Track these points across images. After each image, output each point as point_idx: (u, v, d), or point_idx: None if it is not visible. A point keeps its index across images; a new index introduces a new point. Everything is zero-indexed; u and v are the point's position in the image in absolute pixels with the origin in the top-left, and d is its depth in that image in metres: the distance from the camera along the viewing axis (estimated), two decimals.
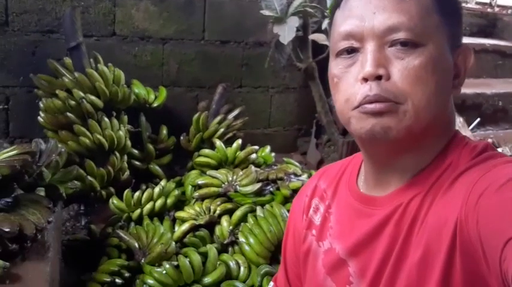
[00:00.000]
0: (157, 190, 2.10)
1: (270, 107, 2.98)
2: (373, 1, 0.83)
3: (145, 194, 2.09)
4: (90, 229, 2.00)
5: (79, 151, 2.16)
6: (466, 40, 3.48)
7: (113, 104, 2.30)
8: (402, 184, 0.88)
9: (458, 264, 0.75)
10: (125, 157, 2.31)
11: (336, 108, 0.91)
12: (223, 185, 2.14)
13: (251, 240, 1.93)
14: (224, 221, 2.01)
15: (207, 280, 1.82)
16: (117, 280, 1.72)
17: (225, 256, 1.93)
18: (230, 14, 2.75)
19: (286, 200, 2.06)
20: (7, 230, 1.35)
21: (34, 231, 1.42)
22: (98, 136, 2.16)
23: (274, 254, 1.93)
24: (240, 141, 2.41)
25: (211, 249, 1.90)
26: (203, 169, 2.30)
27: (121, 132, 2.25)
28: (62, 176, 1.82)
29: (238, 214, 2.02)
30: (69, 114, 2.14)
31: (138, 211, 2.07)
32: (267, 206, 2.04)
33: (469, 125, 2.99)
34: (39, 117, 2.19)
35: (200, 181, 2.16)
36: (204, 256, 1.89)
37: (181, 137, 2.53)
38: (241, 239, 1.95)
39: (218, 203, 2.07)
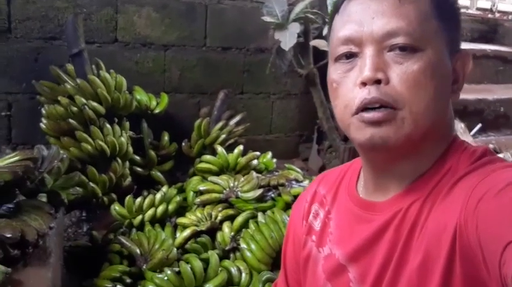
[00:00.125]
0: (158, 196, 2.10)
1: (271, 113, 2.99)
2: (372, 6, 0.84)
3: (146, 200, 2.09)
4: (92, 235, 2.00)
5: (81, 157, 2.17)
6: (467, 46, 3.52)
7: (115, 111, 2.31)
8: (402, 190, 0.88)
9: (458, 269, 0.75)
10: (127, 163, 2.32)
11: (336, 114, 0.91)
12: (224, 191, 2.14)
13: (252, 246, 1.92)
14: (225, 227, 2.01)
15: (209, 286, 1.81)
16: (119, 286, 1.72)
17: (226, 262, 1.93)
18: (231, 20, 2.76)
19: (288, 206, 2.05)
20: (9, 235, 1.35)
21: (36, 237, 1.42)
22: (100, 142, 2.17)
23: (275, 260, 1.92)
24: (241, 147, 2.42)
25: (213, 255, 1.90)
26: (205, 175, 2.30)
27: (123, 139, 2.26)
28: (63, 182, 1.82)
29: (239, 220, 2.02)
30: (71, 120, 2.15)
31: (140, 217, 2.06)
32: (269, 212, 2.04)
33: (470, 131, 2.98)
34: (41, 124, 2.20)
35: (202, 187, 2.16)
36: (206, 262, 1.89)
37: (183, 144, 2.53)
38: (243, 245, 1.95)
39: (219, 209, 2.07)
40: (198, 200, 2.12)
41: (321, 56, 2.56)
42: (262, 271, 1.89)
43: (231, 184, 2.16)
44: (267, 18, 2.49)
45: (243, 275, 1.88)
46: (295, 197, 2.04)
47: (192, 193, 2.21)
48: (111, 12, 2.51)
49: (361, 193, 0.98)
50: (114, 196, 2.22)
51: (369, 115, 0.82)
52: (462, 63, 0.89)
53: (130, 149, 2.32)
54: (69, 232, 2.13)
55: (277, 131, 3.03)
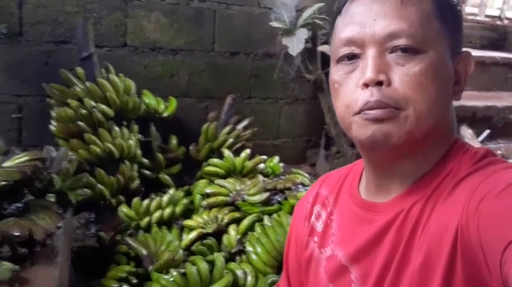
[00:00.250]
0: (165, 198, 2.12)
1: (279, 118, 3.00)
2: (374, 8, 0.84)
3: (154, 203, 2.10)
4: (100, 237, 2.01)
5: (89, 159, 2.19)
6: (476, 53, 3.52)
7: (124, 114, 2.33)
8: (403, 190, 0.88)
9: (460, 269, 0.75)
10: (135, 166, 2.34)
11: (337, 114, 0.91)
12: (231, 194, 2.15)
13: (258, 249, 1.93)
14: (232, 230, 2.02)
15: None
16: (125, 286, 1.73)
17: (232, 265, 1.94)
18: (240, 26, 2.79)
19: None
20: (17, 234, 1.36)
21: (43, 236, 1.43)
22: (108, 145, 2.19)
23: (281, 263, 1.90)
24: (248, 151, 2.43)
25: (219, 257, 1.90)
26: (211, 178, 2.32)
27: (131, 142, 2.28)
28: (72, 183, 1.84)
29: (245, 223, 2.03)
30: (80, 123, 2.17)
31: (147, 219, 2.08)
32: (275, 215, 2.05)
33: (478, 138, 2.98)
34: (50, 126, 2.23)
35: (208, 190, 2.17)
36: (212, 264, 1.90)
37: (191, 147, 2.55)
38: (249, 248, 1.96)
39: (226, 212, 2.08)
40: (204, 202, 2.14)
41: (328, 61, 2.55)
42: (268, 274, 1.90)
43: (238, 187, 2.17)
44: (275, 24, 2.51)
45: (249, 278, 1.89)
46: None
47: (199, 195, 2.22)
48: (121, 16, 2.54)
49: (363, 194, 0.98)
50: (122, 198, 2.24)
51: (371, 112, 0.82)
52: (464, 64, 0.89)
53: (139, 151, 2.34)
54: (78, 233, 2.14)
55: (284, 136, 3.04)
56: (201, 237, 2.00)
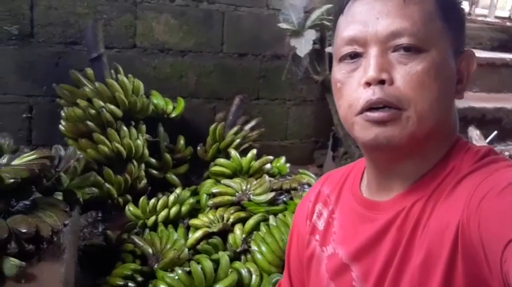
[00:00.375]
0: (172, 197, 2.13)
1: (286, 119, 3.01)
2: (377, 7, 0.84)
3: (160, 202, 2.12)
4: (106, 235, 2.04)
5: (98, 159, 2.22)
6: (486, 55, 3.50)
7: (132, 114, 2.35)
8: (405, 189, 0.88)
9: (460, 267, 0.75)
10: (143, 166, 2.36)
11: (339, 114, 0.91)
12: (237, 194, 2.16)
13: (263, 248, 1.94)
14: (237, 229, 2.03)
15: (219, 286, 1.83)
16: (130, 284, 1.75)
17: (237, 264, 1.95)
18: (248, 27, 2.80)
19: None
20: (24, 231, 1.39)
21: (50, 233, 1.45)
22: (117, 145, 2.21)
23: None
24: (254, 151, 2.44)
25: (223, 256, 1.92)
26: (218, 178, 2.33)
27: (139, 141, 2.30)
28: (79, 182, 1.86)
29: (251, 222, 2.04)
30: (89, 122, 2.20)
31: (153, 217, 2.10)
32: (280, 215, 2.05)
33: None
34: (60, 126, 2.26)
35: (214, 190, 2.19)
36: (217, 263, 1.91)
37: (198, 147, 2.57)
38: (254, 247, 1.97)
39: (232, 211, 2.09)
40: (210, 202, 2.15)
41: None
42: (273, 274, 1.91)
43: (244, 187, 2.18)
44: (284, 25, 2.52)
45: (253, 277, 1.90)
46: None
47: (205, 195, 2.24)
48: (131, 18, 2.57)
49: (364, 192, 0.98)
50: (129, 197, 2.26)
51: (374, 115, 0.82)
52: (466, 63, 0.90)
53: (146, 151, 2.36)
54: (85, 231, 2.18)
55: (292, 137, 3.05)
56: (207, 236, 2.01)
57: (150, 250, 1.89)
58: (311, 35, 2.48)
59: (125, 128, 2.28)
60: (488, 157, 0.85)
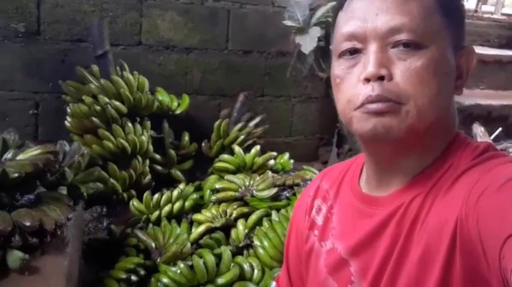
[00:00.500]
0: (175, 193, 2.15)
1: (291, 116, 3.01)
2: (376, 3, 0.84)
3: (164, 197, 2.14)
4: (110, 230, 2.06)
5: (103, 155, 2.24)
6: (494, 52, 3.47)
7: (137, 110, 2.38)
8: (404, 184, 0.88)
9: (458, 262, 0.75)
10: (147, 162, 2.38)
11: (338, 109, 0.90)
12: (240, 189, 2.18)
13: (265, 243, 1.95)
14: (240, 224, 2.05)
15: (221, 280, 1.85)
16: (133, 277, 1.77)
17: (239, 259, 1.97)
18: (253, 24, 2.81)
19: None
20: (28, 224, 1.41)
21: (54, 226, 1.48)
22: (121, 141, 2.24)
23: None
24: (258, 147, 2.44)
25: (226, 251, 1.93)
26: (222, 173, 2.35)
27: (144, 138, 2.32)
28: (83, 177, 1.89)
29: (253, 217, 2.05)
30: (94, 119, 2.22)
31: (157, 212, 2.12)
32: (282, 210, 2.07)
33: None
34: (66, 122, 2.29)
35: (218, 185, 2.20)
36: (219, 257, 1.93)
37: (203, 144, 2.58)
38: (256, 242, 1.98)
39: (234, 207, 2.11)
40: (214, 197, 2.17)
41: None
42: (274, 268, 1.92)
43: (247, 183, 2.19)
44: (289, 23, 2.52)
45: (255, 271, 1.91)
46: None
47: (208, 191, 2.25)
48: (136, 16, 2.59)
49: (363, 187, 0.97)
50: (133, 192, 2.28)
51: (372, 106, 0.82)
52: (466, 59, 0.89)
53: (151, 147, 2.38)
54: (90, 226, 2.20)
55: (297, 134, 3.05)
56: (210, 231, 2.04)
57: (153, 244, 1.91)
58: (316, 32, 2.48)
59: (129, 124, 2.30)
60: (487, 153, 0.84)
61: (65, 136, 2.25)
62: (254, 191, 2.14)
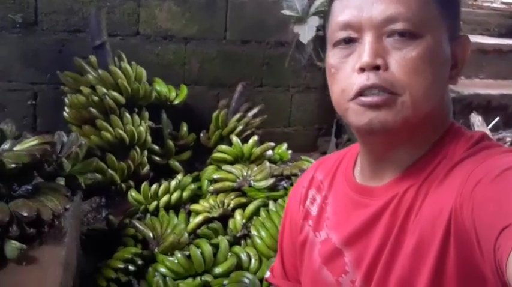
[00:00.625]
0: (173, 183, 2.16)
1: (290, 106, 3.00)
2: None
3: (162, 187, 2.15)
4: (109, 220, 2.07)
5: (101, 145, 2.24)
6: (494, 41, 3.45)
7: (135, 101, 2.38)
8: (398, 175, 0.88)
9: (453, 252, 0.75)
10: (145, 152, 2.38)
11: (332, 99, 0.90)
12: (237, 179, 2.18)
13: (263, 233, 1.97)
14: (237, 214, 2.06)
15: (218, 270, 1.86)
16: (130, 267, 1.78)
17: (236, 248, 1.98)
18: (251, 14, 2.80)
19: None
20: (25, 214, 1.42)
21: (51, 216, 1.48)
22: (119, 131, 2.24)
23: None
24: (256, 137, 2.45)
25: (223, 240, 1.95)
26: (219, 164, 2.35)
27: (142, 128, 2.32)
28: (81, 168, 1.89)
29: (251, 207, 2.06)
30: (92, 109, 2.22)
31: (155, 203, 2.13)
32: (280, 200, 2.08)
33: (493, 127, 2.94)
34: (64, 113, 2.29)
35: (216, 176, 2.21)
36: (216, 247, 1.94)
37: (201, 134, 2.59)
38: (253, 232, 1.99)
39: (232, 197, 2.12)
40: (211, 188, 2.17)
41: None
42: (271, 258, 1.93)
43: (245, 173, 2.20)
44: (287, 12, 2.50)
45: (252, 260, 1.92)
46: None
47: (206, 181, 2.27)
48: (134, 6, 2.58)
49: (358, 178, 0.97)
50: (132, 183, 2.29)
51: (367, 99, 0.81)
52: (462, 48, 0.89)
53: (149, 138, 2.38)
54: (89, 217, 2.22)
55: (295, 124, 3.04)
56: (207, 221, 2.04)
57: (151, 234, 1.92)
58: (314, 21, 2.46)
59: (127, 115, 2.30)
60: (482, 143, 0.84)
61: (63, 127, 2.25)
62: (252, 181, 2.15)
